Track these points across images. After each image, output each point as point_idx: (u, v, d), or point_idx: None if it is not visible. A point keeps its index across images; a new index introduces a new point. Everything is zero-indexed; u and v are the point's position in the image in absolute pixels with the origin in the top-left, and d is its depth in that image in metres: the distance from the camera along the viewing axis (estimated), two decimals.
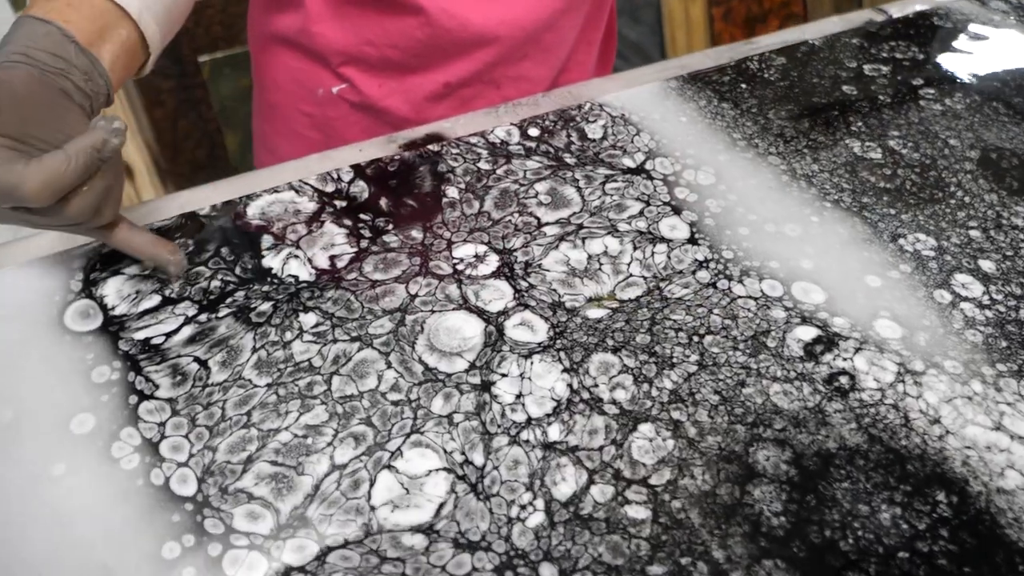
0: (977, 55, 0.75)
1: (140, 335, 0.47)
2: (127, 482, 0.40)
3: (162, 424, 0.42)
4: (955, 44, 0.76)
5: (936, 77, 0.71)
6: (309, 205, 0.55)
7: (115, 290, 0.49)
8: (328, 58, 0.73)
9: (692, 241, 0.54)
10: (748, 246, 0.54)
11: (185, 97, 1.49)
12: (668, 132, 0.63)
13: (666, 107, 0.66)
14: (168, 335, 0.47)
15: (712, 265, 0.52)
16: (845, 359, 0.48)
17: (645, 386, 0.45)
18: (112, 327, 0.47)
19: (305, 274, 0.50)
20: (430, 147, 0.60)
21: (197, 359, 0.45)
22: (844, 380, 0.47)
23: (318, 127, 0.80)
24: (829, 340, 0.49)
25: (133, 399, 0.43)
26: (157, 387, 0.44)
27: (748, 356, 0.47)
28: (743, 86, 0.69)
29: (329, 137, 0.80)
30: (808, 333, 0.49)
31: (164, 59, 1.45)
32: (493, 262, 0.52)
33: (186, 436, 0.42)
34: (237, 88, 1.56)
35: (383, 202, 0.55)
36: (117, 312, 0.48)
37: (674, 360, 0.47)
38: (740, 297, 0.51)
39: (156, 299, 0.49)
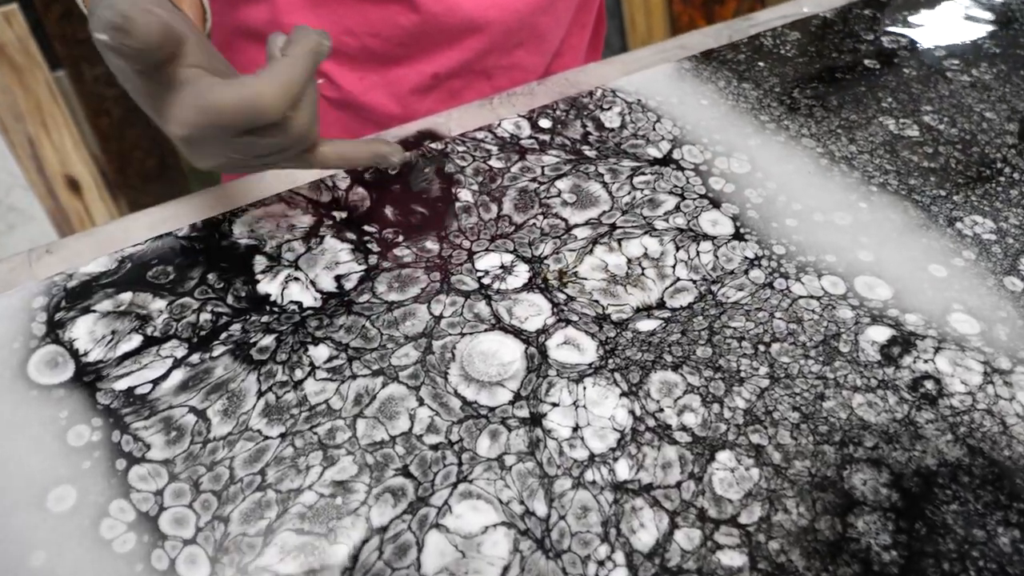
0: (995, 23, 0.71)
1: (122, 384, 0.39)
2: (124, 568, 0.33)
3: (159, 493, 0.35)
4: (969, 13, 0.72)
5: (958, 48, 0.67)
6: (304, 219, 0.48)
7: (86, 332, 0.41)
8: None
9: (738, 237, 0.49)
10: (799, 239, 0.49)
11: (132, 105, 1.39)
12: (691, 117, 0.57)
13: (683, 90, 0.60)
14: (155, 382, 0.40)
15: (765, 263, 0.47)
16: (926, 361, 0.43)
17: (716, 407, 0.40)
18: (87, 376, 0.40)
19: (309, 299, 0.43)
20: (432, 146, 0.53)
21: (193, 409, 0.38)
22: (930, 385, 0.42)
23: None
24: (905, 340, 0.44)
25: (121, 464, 0.36)
26: (148, 447, 0.37)
27: (822, 364, 0.42)
28: (760, 64, 0.63)
29: None
30: (881, 334, 0.44)
31: (107, 65, 1.36)
32: (523, 273, 0.45)
33: (190, 506, 0.35)
34: None
35: (388, 210, 0.49)
36: (91, 358, 0.40)
37: (742, 374, 0.41)
38: (801, 297, 0.45)
39: (136, 339, 0.41)
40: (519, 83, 0.71)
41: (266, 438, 0.37)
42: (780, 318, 0.44)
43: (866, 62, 0.65)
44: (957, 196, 0.53)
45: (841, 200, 0.52)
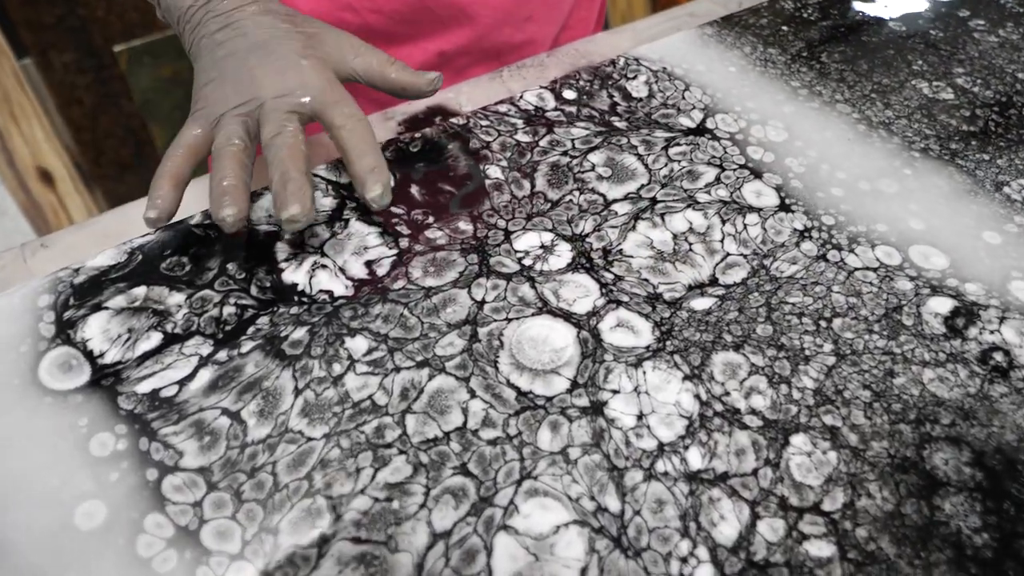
0: None
1: (145, 387, 0.36)
2: None
3: (198, 504, 0.32)
4: None
5: (982, 7, 0.65)
6: (325, 201, 0.45)
7: (100, 330, 0.38)
8: None
9: (784, 208, 0.46)
10: (847, 208, 0.47)
11: (103, 92, 1.34)
12: (720, 84, 0.55)
13: (709, 57, 0.57)
14: (181, 383, 0.36)
15: (815, 234, 0.45)
16: (992, 332, 0.41)
17: (783, 388, 0.38)
18: (105, 380, 0.36)
19: (340, 288, 0.40)
20: (453, 121, 0.50)
21: (226, 411, 0.35)
22: (999, 357, 0.40)
23: None
24: (968, 311, 0.42)
25: (152, 474, 0.33)
26: (181, 454, 0.34)
27: (887, 339, 0.40)
28: (784, 28, 0.61)
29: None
30: (943, 305, 0.42)
31: (76, 52, 1.30)
32: (565, 252, 0.43)
33: (233, 517, 0.32)
34: (159, 78, 1.41)
35: (415, 190, 0.46)
36: (108, 359, 0.37)
37: (807, 352, 0.39)
38: (857, 269, 0.43)
39: (156, 337, 0.38)
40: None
41: (309, 439, 0.34)
42: (838, 292, 0.42)
43: (891, 25, 0.62)
44: (1001, 160, 0.51)
45: (885, 167, 0.50)
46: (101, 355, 0.37)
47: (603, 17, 0.83)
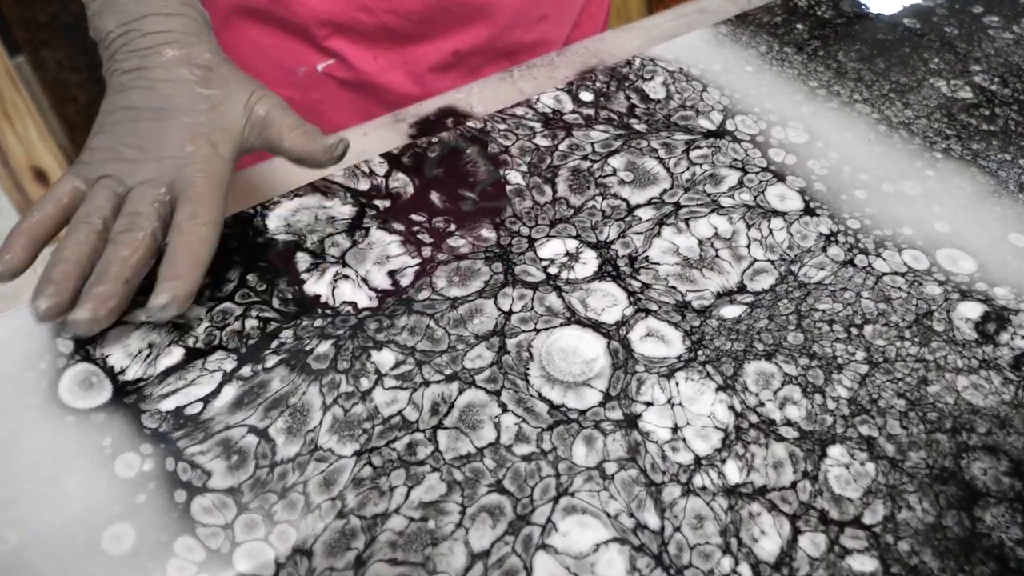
0: None
1: (168, 404, 0.35)
2: None
3: (229, 526, 0.32)
4: None
5: (995, 3, 0.65)
6: (344, 209, 0.44)
7: (120, 346, 0.37)
8: (311, 30, 0.61)
9: (809, 212, 0.46)
10: (872, 212, 0.46)
11: (99, 90, 1.32)
12: (737, 85, 0.54)
13: (725, 56, 0.57)
14: (206, 400, 0.36)
15: (841, 239, 0.44)
16: (1023, 337, 0.40)
17: (818, 397, 0.37)
18: (128, 397, 0.35)
19: (364, 299, 0.40)
20: (470, 124, 0.49)
21: (253, 429, 0.35)
22: None
23: (299, 113, 0.68)
24: (999, 316, 0.41)
25: (180, 495, 0.32)
26: (209, 474, 0.33)
27: (919, 346, 0.39)
28: (799, 27, 0.60)
29: (314, 124, 0.68)
30: (974, 310, 0.41)
31: (70, 49, 1.28)
32: (591, 260, 0.42)
33: (266, 540, 0.31)
34: None
35: (435, 196, 0.45)
36: (129, 376, 0.36)
37: (839, 361, 0.39)
38: (886, 274, 0.43)
39: (178, 352, 0.37)
40: None
41: (340, 457, 0.34)
42: (868, 298, 0.41)
43: (906, 21, 0.62)
44: (1023, 160, 0.50)
45: (907, 168, 0.49)
46: (122, 371, 0.36)
47: (609, 14, 0.83)
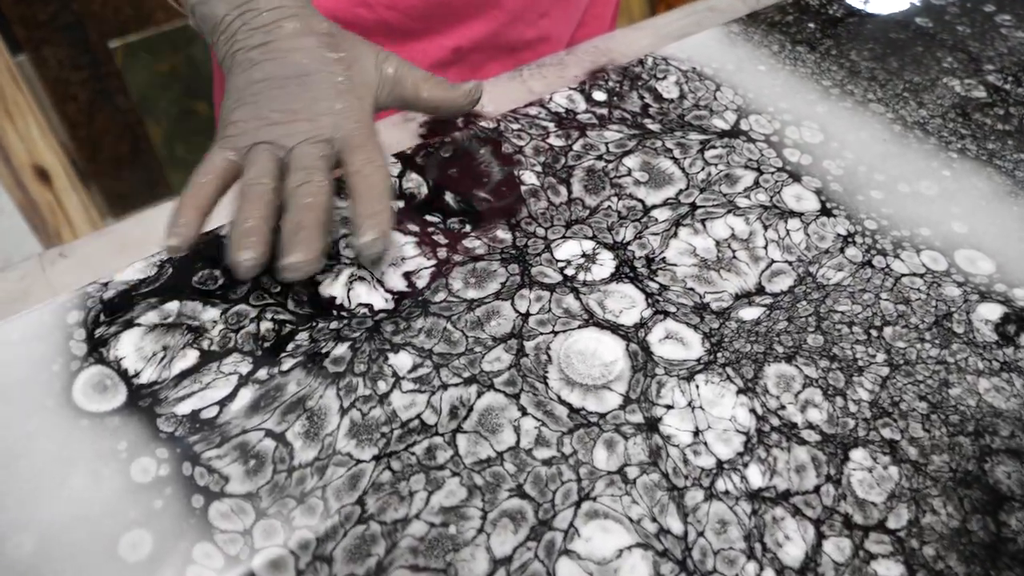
0: None
1: (184, 408, 0.35)
2: None
3: (247, 532, 0.31)
4: None
5: (1007, 1, 0.64)
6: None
7: (133, 348, 0.37)
8: None
9: (826, 212, 0.45)
10: (889, 212, 0.46)
11: (99, 88, 1.31)
12: (751, 84, 0.54)
13: (738, 56, 0.56)
14: (222, 403, 0.35)
15: (859, 239, 0.44)
16: None
17: (839, 400, 0.37)
18: (142, 400, 0.35)
19: (380, 300, 0.39)
20: (483, 124, 0.49)
21: (270, 433, 0.34)
22: None
23: None
24: (1019, 318, 0.41)
25: (198, 500, 0.32)
26: (226, 479, 0.33)
27: (940, 348, 0.39)
28: (811, 26, 0.60)
29: None
30: (993, 311, 0.41)
31: (71, 48, 1.27)
32: (608, 261, 0.42)
33: (285, 546, 0.31)
34: (155, 74, 1.39)
35: (449, 197, 0.44)
36: (144, 379, 0.36)
37: (859, 363, 0.38)
38: (904, 275, 0.42)
39: (192, 355, 0.37)
40: (544, 55, 0.66)
41: (358, 462, 0.33)
42: (887, 299, 0.41)
43: (918, 20, 0.62)
44: None
45: (923, 168, 0.49)
46: (136, 375, 0.36)
47: (617, 14, 0.82)
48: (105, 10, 1.26)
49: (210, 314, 0.38)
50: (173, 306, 0.38)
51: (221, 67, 0.44)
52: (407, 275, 0.40)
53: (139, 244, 0.43)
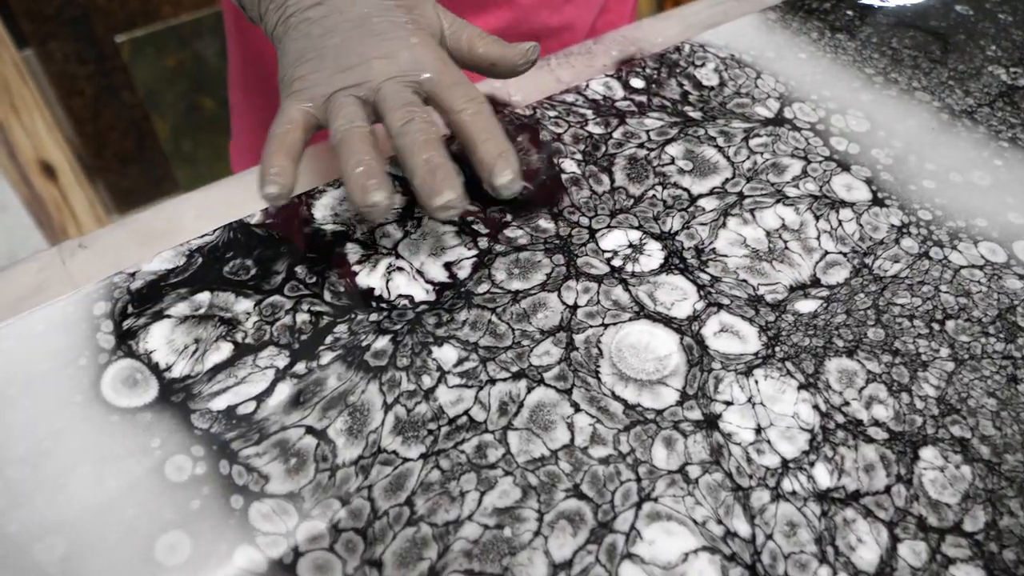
0: None
1: (219, 403, 0.33)
2: None
3: (290, 534, 0.29)
4: None
5: None
6: (396, 198, 0.42)
7: (164, 341, 0.35)
8: None
9: (878, 202, 0.44)
10: (942, 202, 0.44)
11: (105, 83, 1.29)
12: (792, 72, 0.52)
13: (777, 43, 0.55)
14: (259, 399, 0.33)
15: (914, 230, 0.42)
16: None
17: (905, 396, 0.35)
18: (175, 395, 0.33)
19: (420, 292, 0.37)
20: (518, 112, 0.47)
21: (311, 430, 0.32)
22: None
23: None
24: None
25: (237, 501, 0.30)
26: (267, 479, 0.31)
27: (1005, 342, 0.37)
28: (849, 13, 0.58)
29: None
30: None
31: (77, 42, 1.25)
32: (656, 252, 0.40)
33: (330, 548, 0.29)
34: (162, 69, 1.37)
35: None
36: (176, 373, 0.34)
37: (923, 358, 0.36)
38: (963, 267, 0.41)
39: (226, 348, 0.35)
40: (568, 44, 0.65)
41: (405, 460, 0.32)
42: (947, 292, 0.39)
43: (957, 8, 0.60)
44: None
45: (975, 158, 0.47)
46: (168, 368, 0.34)
47: (638, 2, 0.81)
48: (111, 5, 1.24)
49: (243, 305, 0.37)
50: (204, 297, 0.37)
51: (272, 39, 0.42)
52: (447, 265, 0.39)
53: (161, 235, 0.41)
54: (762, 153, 0.46)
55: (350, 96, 0.37)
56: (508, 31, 0.63)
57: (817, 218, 0.42)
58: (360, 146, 0.36)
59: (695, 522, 0.30)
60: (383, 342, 0.35)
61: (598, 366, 0.35)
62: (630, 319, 0.37)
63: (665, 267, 0.39)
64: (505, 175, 0.36)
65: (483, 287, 0.38)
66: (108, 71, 1.30)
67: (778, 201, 0.43)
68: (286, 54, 0.39)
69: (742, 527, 0.30)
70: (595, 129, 0.46)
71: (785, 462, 0.32)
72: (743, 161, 0.45)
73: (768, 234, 0.41)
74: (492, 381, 0.34)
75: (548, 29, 0.65)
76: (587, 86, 0.50)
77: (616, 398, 0.34)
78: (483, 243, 0.40)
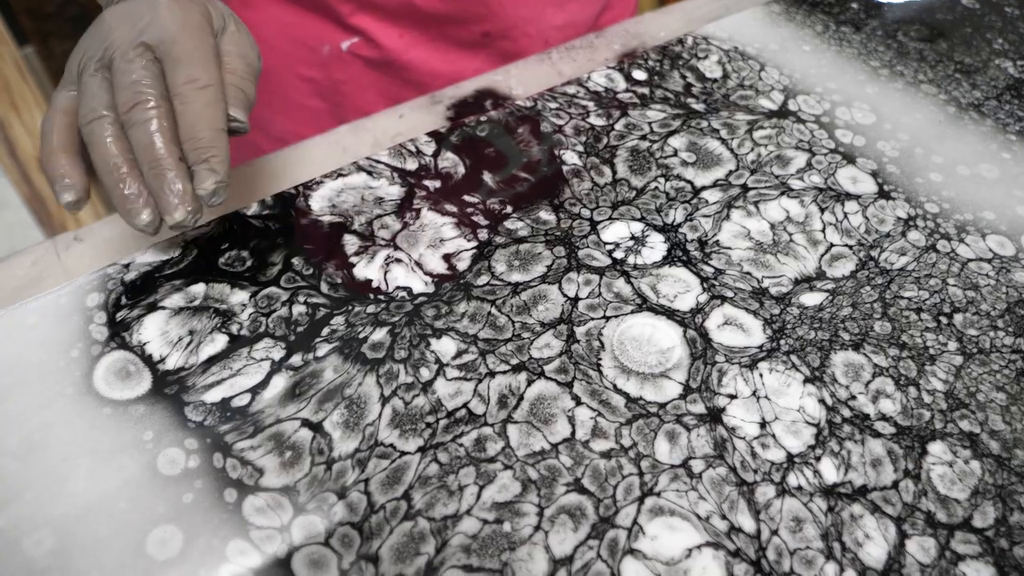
0: None
1: (213, 395, 0.32)
2: None
3: (285, 529, 0.29)
4: None
5: None
6: (392, 190, 0.41)
7: (158, 332, 0.34)
8: (335, 6, 0.58)
9: (884, 195, 0.43)
10: (949, 195, 0.43)
11: None
12: (796, 64, 0.51)
13: (781, 35, 0.54)
14: (254, 391, 0.33)
15: (920, 223, 0.42)
16: None
17: (912, 390, 0.34)
18: (168, 388, 0.33)
19: (419, 284, 0.37)
20: (518, 104, 0.47)
21: (306, 423, 0.32)
22: None
23: (322, 94, 0.65)
24: None
25: (231, 494, 0.30)
26: (261, 472, 0.30)
27: (1014, 336, 0.37)
28: (854, 6, 0.58)
29: (337, 106, 0.66)
30: None
31: (77, 39, 1.24)
32: (659, 244, 0.39)
33: (326, 543, 0.29)
34: None
35: (487, 177, 0.42)
36: (170, 365, 0.33)
37: (931, 351, 0.36)
38: (971, 260, 0.40)
39: (221, 340, 0.34)
40: (571, 39, 0.64)
41: (402, 454, 0.31)
42: (954, 285, 0.39)
43: (964, 1, 0.59)
44: None
45: (982, 151, 0.46)
46: (161, 360, 0.33)
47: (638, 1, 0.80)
48: None
49: (238, 297, 0.36)
50: (199, 288, 0.36)
51: None
52: (446, 257, 0.38)
53: None
54: (766, 145, 0.45)
55: (97, 75, 0.33)
56: (512, 30, 0.62)
57: (822, 210, 0.42)
58: (107, 149, 0.32)
59: (699, 517, 0.30)
60: (381, 334, 0.35)
61: (600, 359, 0.34)
62: (632, 311, 0.36)
63: (668, 259, 0.38)
64: (204, 185, 0.32)
65: (483, 279, 0.37)
66: None
67: (783, 193, 0.42)
68: None
69: (747, 522, 0.30)
70: (597, 121, 0.46)
71: (791, 456, 0.32)
72: (747, 153, 0.45)
73: (772, 226, 0.41)
74: (491, 374, 0.34)
75: (552, 26, 0.64)
76: (589, 78, 0.49)
77: (618, 391, 0.33)
78: (483, 235, 0.39)
